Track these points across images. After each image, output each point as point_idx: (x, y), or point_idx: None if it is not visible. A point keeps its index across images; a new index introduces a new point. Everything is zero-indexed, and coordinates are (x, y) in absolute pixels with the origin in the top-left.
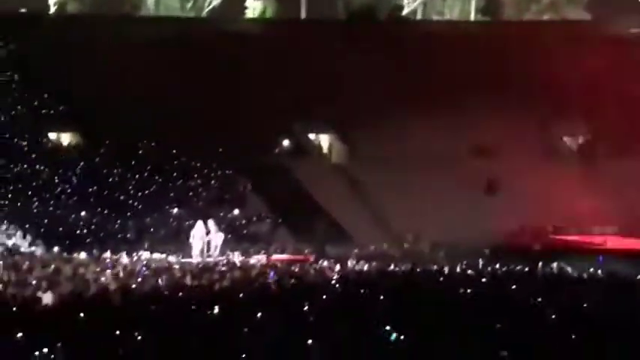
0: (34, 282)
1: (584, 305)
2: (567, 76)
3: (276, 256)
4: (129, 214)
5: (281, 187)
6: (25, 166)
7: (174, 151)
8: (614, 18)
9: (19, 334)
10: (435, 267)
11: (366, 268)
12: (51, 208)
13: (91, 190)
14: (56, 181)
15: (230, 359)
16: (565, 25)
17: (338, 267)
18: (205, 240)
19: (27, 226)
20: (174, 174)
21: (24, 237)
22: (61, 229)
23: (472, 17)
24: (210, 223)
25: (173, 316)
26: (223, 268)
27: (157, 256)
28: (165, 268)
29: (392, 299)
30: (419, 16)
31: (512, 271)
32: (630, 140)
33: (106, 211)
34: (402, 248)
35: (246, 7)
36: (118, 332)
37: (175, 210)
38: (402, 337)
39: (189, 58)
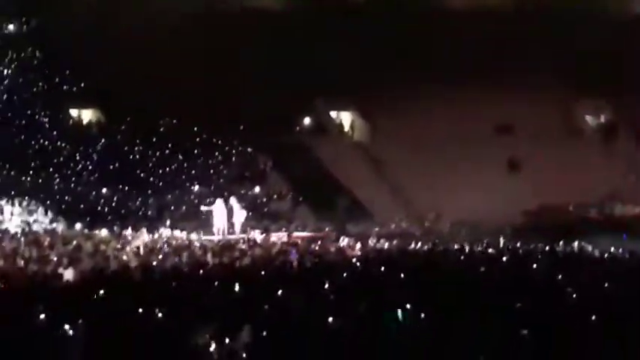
0: (55, 258)
1: (606, 285)
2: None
3: (296, 234)
4: (150, 191)
5: (302, 165)
6: (46, 142)
7: (195, 129)
8: None
9: (41, 311)
10: (456, 246)
11: (386, 246)
12: (72, 185)
13: (112, 167)
14: (77, 157)
15: (251, 337)
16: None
17: (359, 245)
18: (226, 218)
19: (48, 202)
20: (195, 151)
21: (45, 213)
22: (82, 205)
23: None
24: (233, 200)
25: (194, 294)
26: (244, 246)
27: (177, 233)
28: (186, 245)
29: (412, 278)
30: None
31: (532, 249)
32: None
33: (127, 188)
34: (422, 227)
35: None
36: (139, 309)
37: (196, 187)
38: (422, 315)
39: (211, 34)
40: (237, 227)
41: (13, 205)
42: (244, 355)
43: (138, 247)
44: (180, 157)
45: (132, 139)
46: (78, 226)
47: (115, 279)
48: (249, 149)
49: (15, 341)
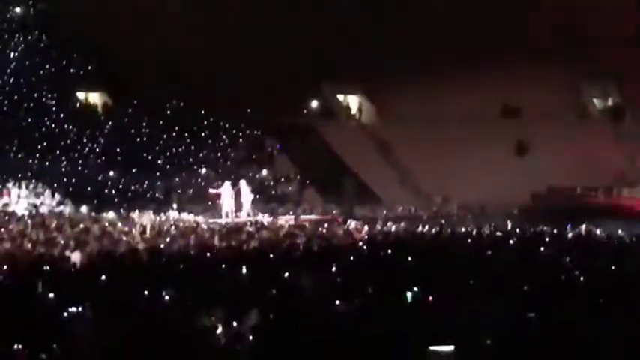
0: (62, 241)
1: (613, 268)
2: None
3: (304, 217)
4: (157, 174)
5: (309, 148)
6: (54, 125)
7: (202, 112)
8: None
9: (48, 293)
10: (463, 229)
11: (393, 229)
12: (79, 168)
13: (119, 149)
14: (84, 140)
15: (257, 320)
16: None
17: (366, 228)
18: (233, 201)
19: (55, 185)
20: (203, 134)
21: (52, 196)
22: (89, 188)
23: None
24: (242, 183)
25: (201, 277)
26: (251, 229)
27: (185, 216)
28: (193, 228)
29: (420, 261)
30: None
31: (540, 233)
32: None
33: (134, 171)
34: (430, 210)
35: None
36: (146, 292)
37: (203, 170)
38: (429, 297)
39: (218, 16)
40: (246, 210)
41: (20, 187)
42: (251, 338)
43: (145, 230)
44: (188, 140)
45: (139, 122)
46: (85, 209)
47: (122, 261)
48: (256, 132)
49: (22, 323)
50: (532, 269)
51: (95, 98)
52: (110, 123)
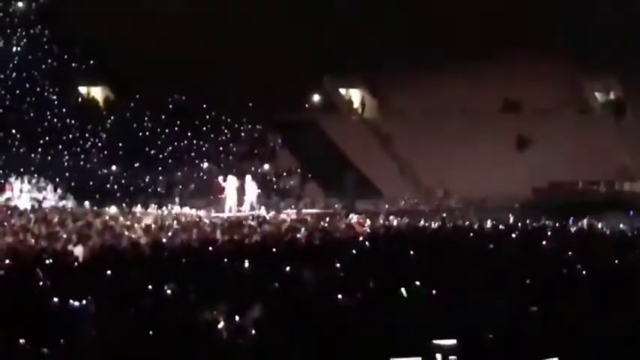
0: (64, 236)
1: (615, 261)
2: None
3: (306, 211)
4: (159, 168)
5: (311, 142)
6: (56, 120)
7: (204, 106)
8: None
9: (51, 288)
10: (465, 223)
11: (395, 223)
12: (82, 162)
13: (121, 144)
14: (87, 135)
15: (260, 314)
16: None
17: (368, 222)
18: (236, 195)
19: (58, 179)
20: (205, 129)
21: (55, 191)
22: (91, 183)
23: None
24: (248, 178)
25: (203, 271)
26: (253, 223)
27: (187, 210)
28: (196, 222)
29: (421, 255)
30: None
31: (542, 227)
32: None
33: (136, 166)
34: (431, 204)
35: None
36: (148, 286)
37: (205, 165)
38: (431, 291)
39: (221, 10)
40: (250, 204)
41: (22, 182)
42: (253, 332)
43: (147, 224)
44: (190, 134)
45: (141, 117)
46: (87, 203)
47: (124, 256)
48: (258, 126)
49: (25, 317)
50: (534, 263)
51: (97, 93)
52: (112, 117)
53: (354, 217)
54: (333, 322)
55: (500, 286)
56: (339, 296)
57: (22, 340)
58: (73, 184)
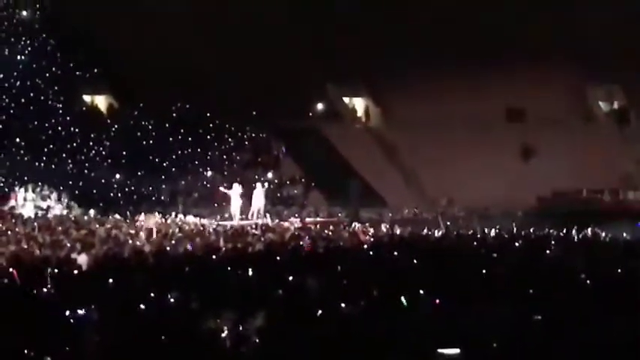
0: (68, 244)
1: (619, 270)
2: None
3: (309, 220)
4: (163, 176)
5: (315, 151)
6: (60, 128)
7: (207, 114)
8: None
9: (54, 296)
10: (469, 231)
11: (399, 232)
12: (85, 171)
13: (125, 152)
14: (91, 143)
15: (263, 322)
16: None
17: (371, 231)
18: (240, 203)
19: (61, 188)
20: (208, 137)
21: (58, 199)
22: (95, 191)
23: None
24: (258, 185)
25: (206, 279)
26: (257, 231)
27: (190, 218)
28: (199, 230)
29: (425, 263)
30: None
31: (545, 235)
32: None
33: (140, 174)
34: (435, 212)
35: None
36: (151, 294)
37: (209, 173)
38: (435, 300)
39: (224, 20)
40: (257, 212)
41: (26, 190)
42: (257, 341)
43: (151, 232)
44: (193, 142)
45: (145, 125)
46: (91, 211)
47: (127, 263)
48: (261, 135)
49: (28, 325)
50: (538, 272)
51: (101, 101)
52: (116, 126)
53: (357, 226)
54: (337, 331)
55: (503, 295)
56: (343, 304)
57: (25, 350)
58: (76, 192)
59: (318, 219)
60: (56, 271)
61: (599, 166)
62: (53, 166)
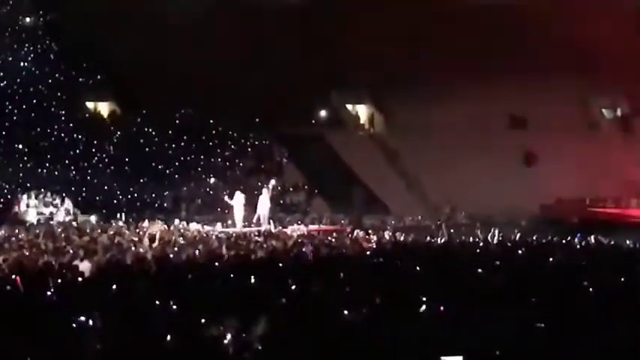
0: (71, 250)
1: (622, 279)
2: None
3: (312, 227)
4: (165, 183)
5: (318, 158)
6: (63, 134)
7: (211, 121)
8: None
9: (57, 303)
10: (472, 239)
11: (402, 239)
12: (88, 177)
13: (128, 159)
14: (93, 150)
15: (266, 329)
16: None
17: (374, 238)
18: (243, 210)
19: (64, 194)
20: (211, 143)
21: (61, 205)
22: (98, 197)
23: None
24: (264, 191)
25: (209, 286)
26: (260, 238)
27: (193, 225)
28: (202, 237)
29: (428, 270)
30: None
31: (549, 243)
32: None
33: (142, 181)
34: (438, 219)
35: None
36: (155, 301)
37: (212, 180)
38: (438, 308)
39: (227, 26)
40: (261, 218)
41: (29, 197)
42: (259, 348)
43: (153, 239)
44: (196, 149)
45: (148, 132)
46: (94, 218)
47: (130, 270)
48: (264, 142)
49: (30, 332)
50: (541, 279)
51: (104, 108)
52: (119, 132)
53: (360, 233)
54: (339, 338)
55: (506, 302)
56: (345, 311)
57: (28, 357)
58: (79, 199)
59: (321, 226)
60: (59, 278)
61: (603, 174)
62: (56, 173)
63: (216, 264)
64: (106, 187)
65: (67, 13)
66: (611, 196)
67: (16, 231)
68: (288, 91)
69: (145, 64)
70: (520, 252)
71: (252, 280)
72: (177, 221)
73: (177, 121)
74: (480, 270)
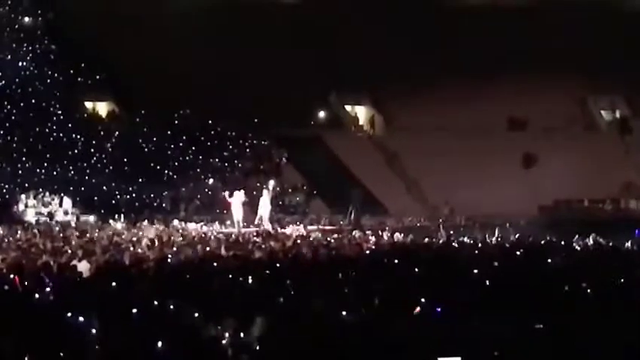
0: (69, 250)
1: (621, 280)
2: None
3: (311, 227)
4: (164, 183)
5: (317, 159)
6: (62, 135)
7: (209, 122)
8: None
9: (55, 303)
10: (470, 240)
11: (400, 240)
12: (87, 177)
13: (126, 159)
14: (92, 150)
15: (264, 330)
16: None
17: (373, 239)
18: (242, 210)
19: (63, 194)
20: (210, 144)
21: (60, 205)
22: (96, 198)
23: None
24: (264, 192)
25: (207, 286)
26: (258, 239)
27: (191, 225)
28: (200, 237)
29: (426, 271)
30: None
31: (547, 244)
32: None
33: (141, 181)
34: (437, 220)
35: None
36: (153, 301)
37: (211, 180)
38: (436, 309)
39: (227, 28)
40: (264, 221)
41: (28, 197)
42: (257, 348)
43: (152, 240)
44: (195, 149)
45: (146, 132)
46: (92, 218)
47: (128, 271)
48: (263, 142)
49: (28, 332)
50: (539, 280)
51: (102, 108)
52: (117, 132)
53: (359, 234)
54: (338, 339)
55: (504, 303)
56: (344, 312)
57: (25, 357)
58: (78, 199)
59: (320, 227)
60: (57, 277)
61: (601, 176)
62: (55, 173)
63: (215, 264)
64: (104, 187)
65: (66, 13)
66: (609, 197)
67: (15, 230)
68: (288, 92)
69: (144, 64)
70: (518, 253)
71: (251, 281)
72: (175, 221)
73: (175, 122)
74: (478, 271)
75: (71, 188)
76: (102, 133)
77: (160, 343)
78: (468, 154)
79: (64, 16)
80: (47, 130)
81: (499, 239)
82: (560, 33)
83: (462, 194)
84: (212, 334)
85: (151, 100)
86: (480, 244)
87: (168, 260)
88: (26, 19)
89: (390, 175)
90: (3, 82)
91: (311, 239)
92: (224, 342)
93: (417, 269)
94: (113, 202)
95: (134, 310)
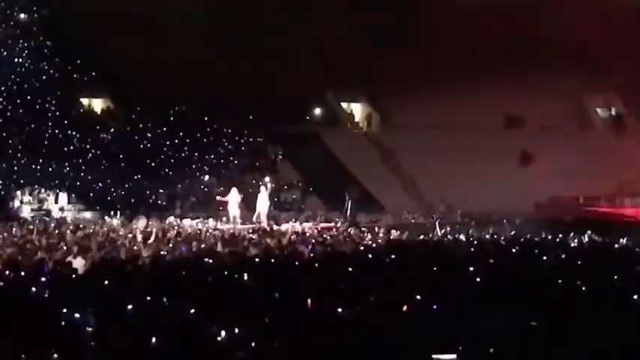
0: (64, 247)
1: (615, 277)
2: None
3: (307, 224)
4: (160, 180)
5: (312, 156)
6: (57, 131)
7: (205, 118)
8: None
9: (50, 299)
10: (466, 237)
11: (396, 236)
12: (82, 174)
13: (122, 155)
14: (88, 146)
15: (260, 326)
16: None
17: (369, 236)
18: (238, 207)
19: (58, 191)
20: (206, 141)
21: (55, 202)
22: (92, 194)
23: None
24: (262, 189)
25: (203, 283)
26: (254, 236)
27: (187, 222)
28: (196, 234)
29: (422, 268)
30: None
31: (543, 241)
32: None
33: (137, 177)
34: (433, 217)
35: None
36: (147, 298)
37: (207, 177)
38: (433, 306)
39: (222, 23)
40: (261, 217)
41: (23, 193)
42: (253, 345)
43: (148, 236)
44: (191, 146)
45: (142, 129)
46: (88, 214)
47: (124, 267)
48: (259, 139)
49: (23, 329)
50: (535, 277)
51: (98, 104)
52: (113, 129)
53: (355, 231)
54: (334, 335)
55: (500, 301)
56: (340, 309)
57: (22, 354)
58: (73, 195)
59: (316, 224)
60: (52, 274)
61: (597, 173)
62: (50, 169)
63: (210, 261)
64: (100, 184)
65: (62, 10)
66: (605, 194)
67: (10, 227)
68: (284, 89)
69: (140, 60)
70: (514, 250)
71: (246, 278)
72: (171, 218)
73: (171, 118)
74: (473, 268)
75: (67, 185)
76: (98, 129)
77: (155, 340)
78: (464, 152)
79: (60, 13)
80: (43, 126)
81: (495, 236)
82: (557, 31)
83: (458, 191)
84: (208, 331)
85: (146, 96)
86: (475, 242)
87: (164, 257)
88: (22, 15)
89: (386, 172)
90: None
91: (307, 236)
92: (219, 338)
93: (412, 266)
94: (109, 198)
95: (129, 307)
